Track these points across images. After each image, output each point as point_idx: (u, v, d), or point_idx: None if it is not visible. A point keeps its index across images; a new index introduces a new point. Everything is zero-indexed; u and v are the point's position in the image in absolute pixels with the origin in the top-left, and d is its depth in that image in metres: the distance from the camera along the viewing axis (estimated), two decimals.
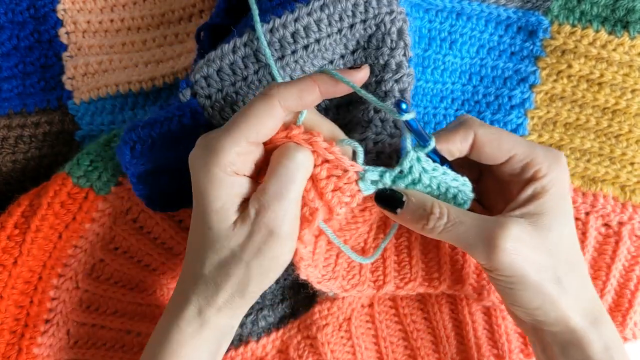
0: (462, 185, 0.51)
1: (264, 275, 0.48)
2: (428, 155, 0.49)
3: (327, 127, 0.49)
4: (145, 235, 0.61)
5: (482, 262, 0.49)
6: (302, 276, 0.53)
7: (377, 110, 0.54)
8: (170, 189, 0.57)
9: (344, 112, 0.58)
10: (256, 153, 0.47)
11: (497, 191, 0.54)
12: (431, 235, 0.49)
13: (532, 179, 0.49)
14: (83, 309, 0.60)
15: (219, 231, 0.46)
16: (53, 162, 0.66)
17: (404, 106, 0.46)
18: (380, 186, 0.49)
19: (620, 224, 0.61)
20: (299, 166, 0.46)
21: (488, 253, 0.47)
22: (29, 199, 0.58)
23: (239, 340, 0.61)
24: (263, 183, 0.46)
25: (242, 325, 0.61)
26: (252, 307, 0.62)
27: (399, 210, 0.49)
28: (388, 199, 0.49)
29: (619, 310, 0.61)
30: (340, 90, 0.47)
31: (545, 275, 0.47)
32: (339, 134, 0.50)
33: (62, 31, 0.69)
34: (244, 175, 0.47)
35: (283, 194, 0.45)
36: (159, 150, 0.54)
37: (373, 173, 0.48)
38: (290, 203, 0.46)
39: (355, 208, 0.53)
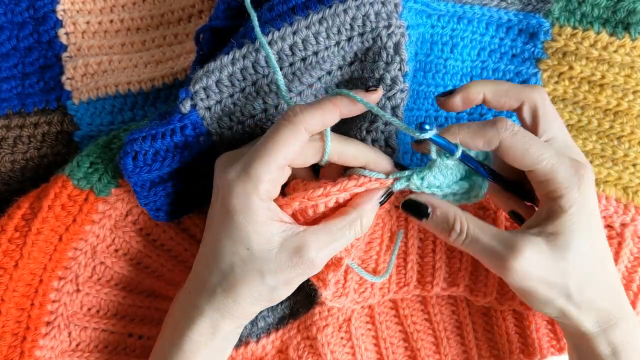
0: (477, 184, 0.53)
1: (281, 297, 0.51)
2: (462, 160, 0.51)
3: (352, 151, 0.51)
4: (145, 237, 0.61)
5: (497, 274, 0.52)
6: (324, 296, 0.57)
7: (369, 131, 0.55)
8: (174, 197, 0.58)
9: (341, 121, 0.58)
10: (282, 177, 0.50)
11: None
12: (454, 245, 0.52)
13: (550, 197, 0.49)
14: (84, 312, 0.60)
15: (260, 252, 0.48)
16: (52, 163, 0.66)
17: (427, 127, 0.47)
18: (412, 186, 0.51)
19: (623, 225, 0.61)
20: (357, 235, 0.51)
21: (501, 272, 0.50)
22: (29, 201, 0.57)
23: (239, 341, 0.61)
24: (330, 233, 0.49)
25: None
26: None
27: (424, 220, 0.52)
28: (414, 208, 0.52)
29: None
30: (358, 110, 0.50)
31: (555, 291, 0.50)
32: (364, 154, 0.52)
33: (61, 32, 0.68)
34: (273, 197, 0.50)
35: (336, 250, 0.50)
36: (161, 159, 0.55)
37: (400, 183, 0.51)
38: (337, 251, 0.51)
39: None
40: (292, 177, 0.53)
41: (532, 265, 0.48)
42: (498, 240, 0.50)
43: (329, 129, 0.50)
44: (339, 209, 0.51)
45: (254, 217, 0.48)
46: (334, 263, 0.53)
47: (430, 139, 0.48)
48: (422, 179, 0.51)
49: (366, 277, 0.57)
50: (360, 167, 0.52)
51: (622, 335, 0.51)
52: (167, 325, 0.54)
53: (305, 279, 0.51)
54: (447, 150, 0.49)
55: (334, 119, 0.49)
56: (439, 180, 0.51)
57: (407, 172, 0.51)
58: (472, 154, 0.52)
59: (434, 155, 0.50)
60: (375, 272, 0.60)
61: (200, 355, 0.51)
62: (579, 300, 0.50)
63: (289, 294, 0.52)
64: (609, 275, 0.52)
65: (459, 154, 0.49)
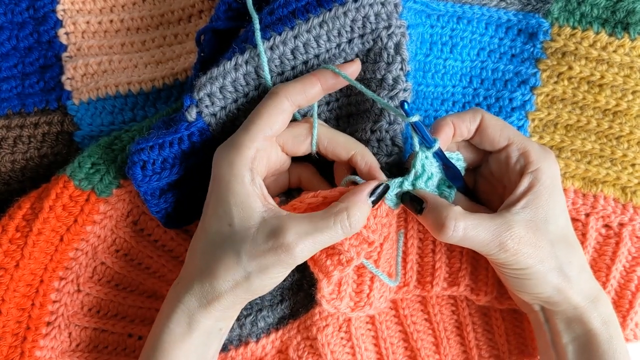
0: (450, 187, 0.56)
1: (259, 289, 0.50)
2: (438, 156, 0.53)
3: (342, 139, 0.54)
4: (146, 237, 0.61)
5: (490, 258, 0.52)
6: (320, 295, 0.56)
7: (373, 131, 0.55)
8: (183, 203, 0.58)
9: (344, 123, 0.59)
10: (269, 150, 0.51)
11: (492, 189, 0.57)
12: (448, 242, 0.52)
13: (526, 169, 0.52)
14: (85, 312, 0.60)
15: (240, 229, 0.48)
16: (52, 163, 0.66)
17: (406, 106, 0.50)
18: (404, 189, 0.54)
19: (621, 225, 0.62)
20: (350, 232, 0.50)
21: (497, 254, 0.51)
22: (30, 201, 0.57)
23: (239, 341, 0.61)
24: (313, 221, 0.48)
25: (241, 326, 0.61)
26: (251, 308, 0.62)
27: (419, 215, 0.53)
28: (412, 200, 0.53)
29: (619, 311, 0.61)
30: (340, 84, 0.53)
31: (548, 265, 0.51)
32: (354, 144, 0.54)
33: (61, 32, 0.68)
34: (260, 175, 0.50)
35: (320, 244, 0.49)
36: (169, 167, 0.55)
37: (392, 189, 0.53)
38: (324, 246, 0.50)
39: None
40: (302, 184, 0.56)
41: (524, 241, 0.50)
42: (491, 224, 0.50)
43: (315, 111, 0.54)
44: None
45: (236, 186, 0.48)
46: (342, 262, 0.53)
47: (413, 124, 0.50)
48: (403, 183, 0.53)
49: (384, 279, 0.57)
50: (351, 162, 0.54)
51: (606, 307, 0.54)
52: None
53: (284, 271, 0.49)
54: (426, 141, 0.51)
55: (315, 91, 0.52)
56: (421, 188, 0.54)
57: (398, 179, 0.53)
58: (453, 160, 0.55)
59: (417, 147, 0.52)
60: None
61: (177, 349, 0.50)
62: (569, 273, 0.52)
63: (268, 288, 0.50)
64: (580, 250, 0.55)
65: (437, 146, 0.51)
